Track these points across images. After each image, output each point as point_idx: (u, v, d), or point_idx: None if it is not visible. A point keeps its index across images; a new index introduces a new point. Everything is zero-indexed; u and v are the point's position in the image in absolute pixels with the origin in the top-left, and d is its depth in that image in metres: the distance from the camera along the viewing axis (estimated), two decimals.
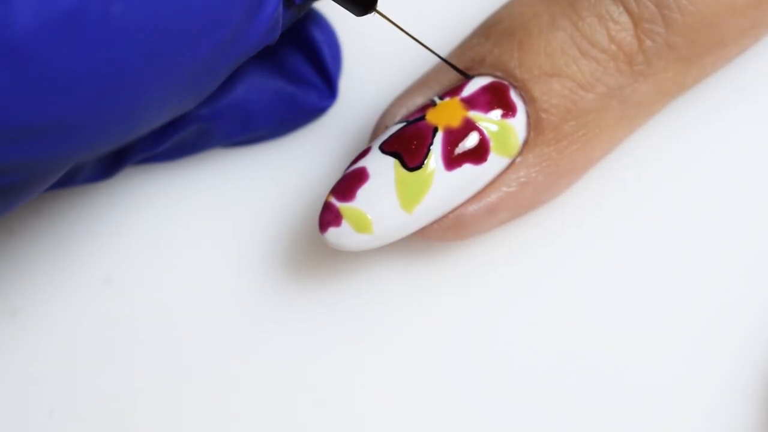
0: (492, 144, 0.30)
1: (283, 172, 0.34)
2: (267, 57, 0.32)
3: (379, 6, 0.29)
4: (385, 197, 0.29)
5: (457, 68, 0.31)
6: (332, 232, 0.30)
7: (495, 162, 0.30)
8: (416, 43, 0.30)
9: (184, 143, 0.33)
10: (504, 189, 0.31)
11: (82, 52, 0.24)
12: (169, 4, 0.24)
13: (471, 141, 0.30)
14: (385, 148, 0.30)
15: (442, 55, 0.31)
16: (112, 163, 0.32)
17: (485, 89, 0.30)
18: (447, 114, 0.30)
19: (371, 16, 0.29)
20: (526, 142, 0.31)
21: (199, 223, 0.33)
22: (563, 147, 0.31)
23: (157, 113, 0.26)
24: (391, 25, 0.33)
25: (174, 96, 0.26)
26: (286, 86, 0.32)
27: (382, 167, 0.30)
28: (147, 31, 0.24)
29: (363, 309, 0.32)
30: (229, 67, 0.27)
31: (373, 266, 0.33)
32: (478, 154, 0.30)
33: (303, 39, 0.32)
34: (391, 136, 0.30)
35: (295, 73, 0.33)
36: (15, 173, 0.25)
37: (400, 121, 0.31)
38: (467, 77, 0.31)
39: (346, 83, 0.34)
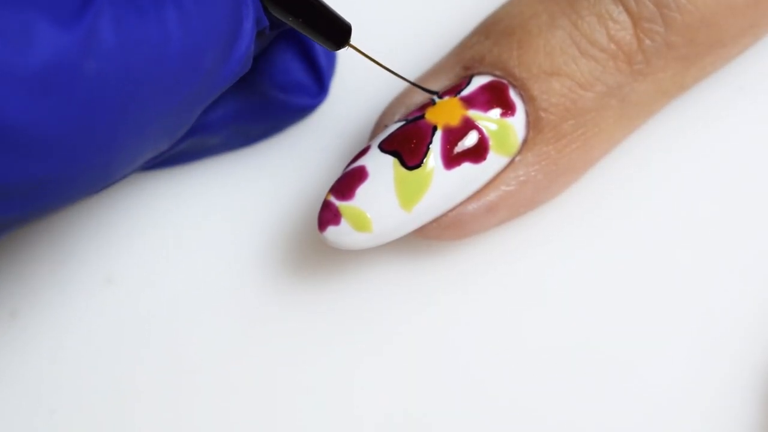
0: (491, 143, 0.30)
1: (282, 170, 0.34)
2: (257, 60, 0.32)
3: (378, 8, 0.29)
4: (385, 196, 0.29)
5: (427, 89, 0.31)
6: (331, 230, 0.30)
7: (494, 161, 0.30)
8: (392, 71, 0.30)
9: (180, 154, 0.33)
10: (503, 188, 0.31)
11: (56, 111, 0.23)
12: (143, 57, 0.24)
13: (470, 140, 0.30)
14: (384, 147, 0.30)
15: (444, 52, 0.32)
16: None
17: (484, 88, 0.30)
18: (446, 113, 0.30)
19: (367, 14, 0.29)
20: (525, 141, 0.31)
21: (199, 223, 0.33)
22: (562, 146, 0.31)
23: (132, 161, 0.26)
24: (391, 26, 0.33)
25: (148, 144, 0.26)
26: (277, 92, 0.32)
27: (381, 166, 0.30)
28: (121, 87, 0.24)
29: (362, 308, 0.32)
30: (203, 106, 0.27)
31: (372, 265, 0.33)
32: (478, 152, 0.30)
33: (295, 34, 0.32)
34: (390, 135, 0.30)
35: (285, 74, 0.32)
36: None
37: (399, 120, 0.31)
38: (436, 95, 0.31)
39: (345, 82, 0.34)
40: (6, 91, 0.22)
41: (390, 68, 0.30)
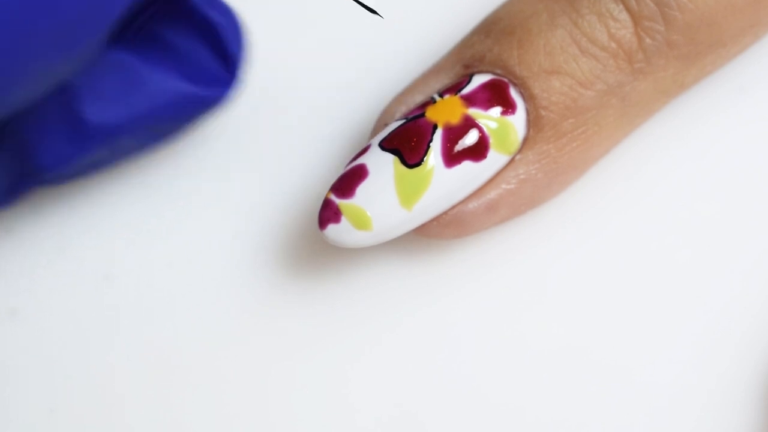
0: (491, 141, 0.30)
1: (282, 169, 0.34)
2: (166, 54, 0.31)
3: (378, 7, 0.29)
4: (385, 194, 0.30)
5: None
6: (332, 228, 0.30)
7: (494, 159, 0.30)
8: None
9: (96, 161, 0.32)
10: (503, 186, 0.31)
11: None
12: None
13: (470, 138, 0.30)
14: (384, 145, 0.30)
15: (444, 51, 0.32)
16: (12, 187, 0.31)
17: (485, 87, 0.30)
18: (446, 111, 0.30)
19: (367, 13, 0.29)
20: (525, 140, 0.31)
21: (199, 221, 0.33)
22: (563, 144, 0.31)
23: (31, 82, 0.25)
24: (391, 25, 0.33)
25: (47, 67, 0.25)
26: (187, 86, 0.31)
27: (381, 164, 0.30)
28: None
29: (362, 306, 0.32)
30: (102, 29, 0.26)
31: (372, 264, 0.33)
32: (478, 151, 0.30)
33: (201, 24, 0.31)
34: (390, 133, 0.30)
35: (195, 66, 0.31)
36: None
37: (399, 119, 0.31)
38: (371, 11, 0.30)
39: (345, 81, 0.34)
40: None
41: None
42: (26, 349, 0.33)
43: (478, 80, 0.31)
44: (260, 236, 0.33)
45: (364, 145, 0.31)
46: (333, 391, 0.32)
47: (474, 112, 0.30)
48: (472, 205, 0.30)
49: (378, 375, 0.32)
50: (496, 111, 0.30)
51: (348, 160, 0.31)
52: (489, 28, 0.31)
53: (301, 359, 0.32)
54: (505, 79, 0.30)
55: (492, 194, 0.31)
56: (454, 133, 0.30)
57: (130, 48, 0.29)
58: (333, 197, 0.30)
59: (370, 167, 0.30)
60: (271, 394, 0.32)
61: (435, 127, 0.30)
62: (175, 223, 0.34)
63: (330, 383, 0.32)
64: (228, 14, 0.31)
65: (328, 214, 0.30)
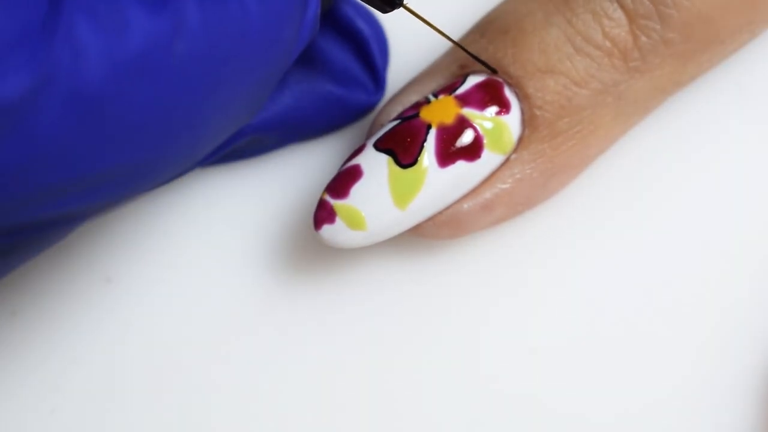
0: (486, 141, 0.30)
1: (279, 169, 0.34)
2: (315, 58, 0.32)
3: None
4: (379, 194, 0.30)
5: (486, 64, 0.30)
6: (326, 229, 0.30)
7: (489, 159, 0.30)
8: (443, 37, 0.30)
9: (236, 152, 0.33)
10: (499, 186, 0.31)
11: (151, 94, 0.23)
12: (228, 35, 0.24)
13: (465, 138, 0.30)
14: (379, 146, 0.30)
15: (441, 51, 0.32)
16: None
17: (479, 86, 0.30)
18: (441, 111, 0.30)
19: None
20: (520, 139, 0.30)
21: (197, 222, 0.34)
22: (558, 144, 0.30)
23: (217, 138, 0.26)
24: (388, 25, 0.33)
25: (232, 121, 0.26)
26: (335, 88, 0.32)
27: (375, 164, 0.30)
28: (209, 65, 0.24)
29: (357, 307, 0.32)
30: (279, 77, 0.27)
31: (368, 264, 0.33)
32: (472, 151, 0.30)
33: (351, 34, 0.32)
34: (384, 134, 0.30)
35: (343, 72, 0.32)
36: (80, 217, 0.25)
37: (395, 119, 0.31)
38: (493, 71, 0.30)
39: None
40: (107, 76, 0.23)
41: (444, 32, 0.30)
42: (26, 349, 0.33)
43: (473, 80, 0.30)
44: (257, 236, 0.33)
45: (359, 145, 0.31)
46: (331, 391, 0.32)
47: (468, 112, 0.30)
48: (467, 204, 0.30)
49: (374, 375, 0.32)
50: (491, 111, 0.30)
51: (343, 161, 0.31)
52: (484, 28, 0.31)
53: (298, 359, 0.32)
54: (500, 79, 0.30)
55: (487, 194, 0.31)
56: (447, 133, 0.30)
57: None
58: (328, 197, 0.30)
59: (364, 167, 0.30)
60: (268, 394, 0.32)
61: (429, 127, 0.30)
62: (175, 226, 0.34)
63: (327, 383, 0.32)
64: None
65: (322, 214, 0.30)
